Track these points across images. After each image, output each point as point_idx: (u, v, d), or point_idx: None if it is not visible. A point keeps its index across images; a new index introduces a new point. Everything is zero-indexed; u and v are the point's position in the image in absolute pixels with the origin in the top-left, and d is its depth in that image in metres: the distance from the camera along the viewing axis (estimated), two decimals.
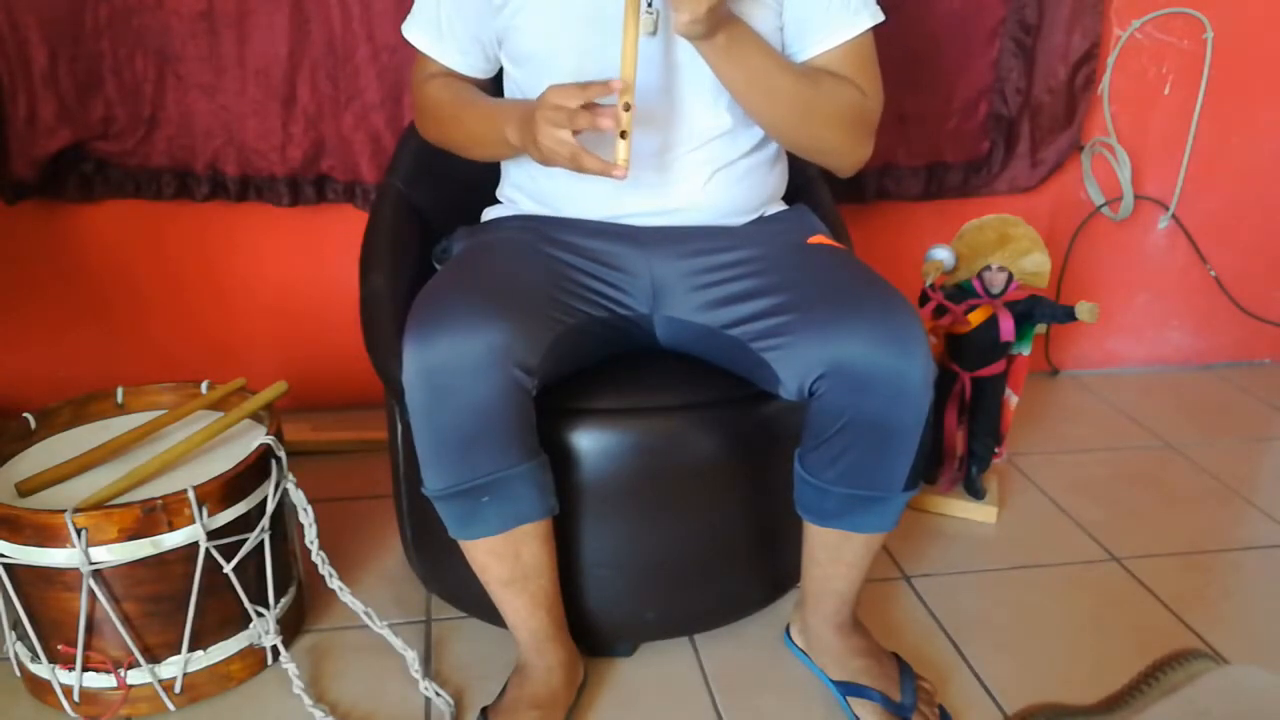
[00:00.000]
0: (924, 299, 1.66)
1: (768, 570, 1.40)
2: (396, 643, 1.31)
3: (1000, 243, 1.67)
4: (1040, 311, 1.63)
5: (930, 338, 1.22)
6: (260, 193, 1.84)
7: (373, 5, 1.73)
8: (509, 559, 1.16)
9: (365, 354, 1.32)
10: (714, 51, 1.14)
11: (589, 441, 1.21)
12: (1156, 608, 1.50)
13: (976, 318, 1.61)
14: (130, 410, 1.44)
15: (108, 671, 1.22)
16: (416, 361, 1.06)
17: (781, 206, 1.38)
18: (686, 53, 1.18)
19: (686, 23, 1.07)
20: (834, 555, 1.22)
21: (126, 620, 1.19)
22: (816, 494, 1.17)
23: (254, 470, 1.25)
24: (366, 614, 1.33)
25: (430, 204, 1.51)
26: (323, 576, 1.33)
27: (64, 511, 1.13)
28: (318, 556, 1.32)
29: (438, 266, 1.35)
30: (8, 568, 1.18)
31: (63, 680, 1.23)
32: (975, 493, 1.72)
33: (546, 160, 1.12)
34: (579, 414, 1.22)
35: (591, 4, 1.16)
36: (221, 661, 1.27)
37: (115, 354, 1.94)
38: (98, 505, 1.17)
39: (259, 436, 1.33)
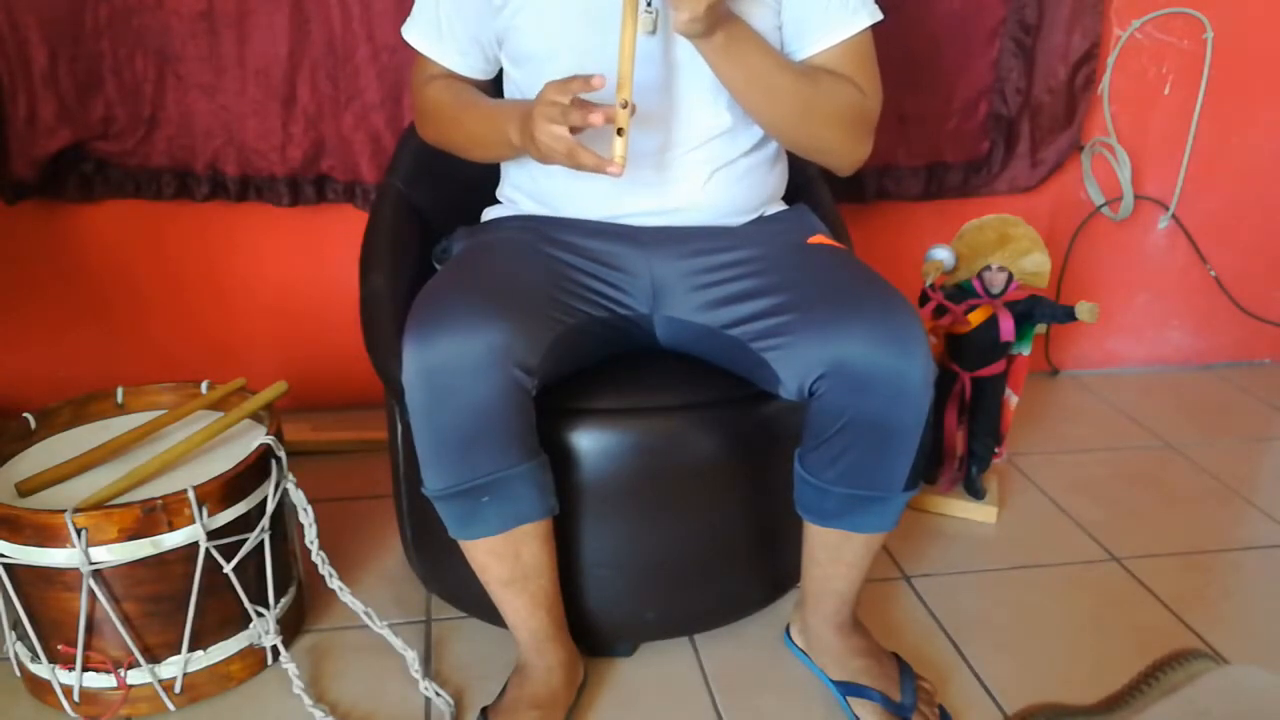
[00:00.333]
0: (924, 299, 1.66)
1: (768, 570, 1.40)
2: (396, 643, 1.31)
3: (1000, 243, 1.67)
4: (1040, 311, 1.63)
5: (930, 338, 1.22)
6: (260, 193, 1.84)
7: (373, 5, 1.73)
8: (509, 559, 1.16)
9: (365, 354, 1.32)
10: (713, 50, 1.14)
11: (589, 441, 1.21)
12: (1156, 608, 1.50)
13: (976, 318, 1.61)
14: (130, 410, 1.44)
15: (108, 671, 1.22)
16: (416, 361, 1.06)
17: (781, 206, 1.38)
18: (686, 51, 1.18)
19: (685, 21, 1.07)
20: (834, 555, 1.22)
21: (126, 620, 1.19)
22: (816, 494, 1.17)
23: (254, 470, 1.25)
24: (366, 614, 1.33)
25: (430, 204, 1.51)
26: (323, 576, 1.33)
27: (64, 511, 1.13)
28: (318, 556, 1.32)
29: (438, 266, 1.35)
30: (8, 568, 1.18)
31: (63, 680, 1.23)
32: (975, 493, 1.72)
33: (544, 157, 1.12)
34: (579, 414, 1.22)
35: (591, 3, 1.16)
36: (221, 661, 1.27)
37: (115, 354, 1.94)
38: (98, 505, 1.17)
39: (259, 436, 1.33)
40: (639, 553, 1.29)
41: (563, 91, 1.06)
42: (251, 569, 1.28)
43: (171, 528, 1.17)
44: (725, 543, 1.33)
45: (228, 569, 1.23)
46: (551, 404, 1.17)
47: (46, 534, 1.13)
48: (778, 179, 1.36)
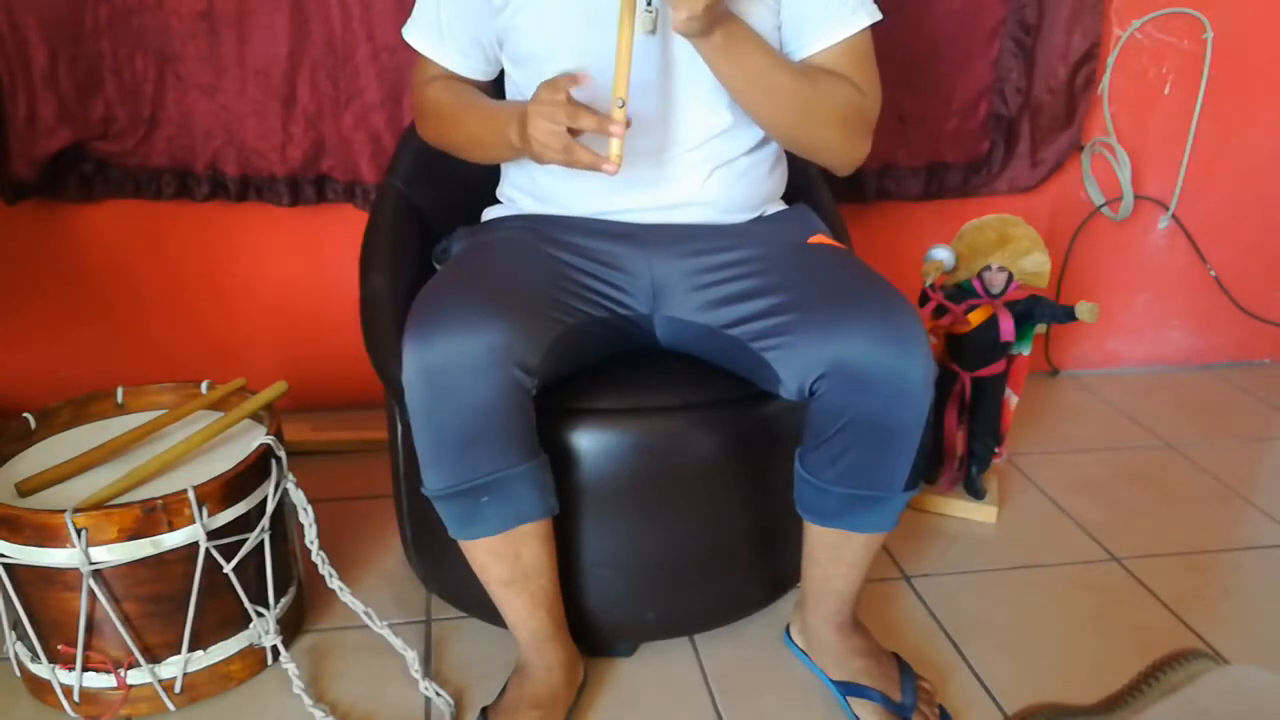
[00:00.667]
0: (924, 299, 1.66)
1: (768, 570, 1.40)
2: (396, 643, 1.31)
3: (1000, 243, 1.67)
4: (1040, 311, 1.63)
5: (930, 338, 1.22)
6: (260, 193, 1.84)
7: (373, 5, 1.73)
8: (509, 559, 1.16)
9: (365, 354, 1.32)
10: (712, 49, 1.14)
11: (589, 441, 1.21)
12: (1156, 608, 1.50)
13: (976, 318, 1.61)
14: (130, 410, 1.44)
15: (108, 671, 1.22)
16: (416, 361, 1.06)
17: (781, 206, 1.38)
18: (685, 51, 1.18)
19: (684, 20, 1.07)
20: (834, 555, 1.22)
21: (126, 620, 1.19)
22: (817, 494, 1.17)
23: (254, 470, 1.25)
24: (366, 614, 1.33)
25: (430, 204, 1.51)
26: (323, 576, 1.33)
27: (64, 511, 1.13)
28: (318, 556, 1.32)
29: (438, 266, 1.35)
30: (8, 568, 1.18)
31: (63, 680, 1.23)
32: (975, 493, 1.72)
33: (539, 155, 1.12)
34: (579, 414, 1.22)
35: (591, 3, 1.16)
36: (221, 661, 1.27)
37: (115, 354, 1.94)
38: (98, 505, 1.17)
39: (259, 436, 1.33)
40: (639, 553, 1.29)
41: (554, 90, 1.07)
42: (251, 569, 1.28)
43: (171, 528, 1.17)
44: (725, 543, 1.33)
45: (228, 569, 1.23)
46: (551, 404, 1.17)
47: (46, 534, 1.13)
48: (778, 179, 1.36)
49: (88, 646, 1.21)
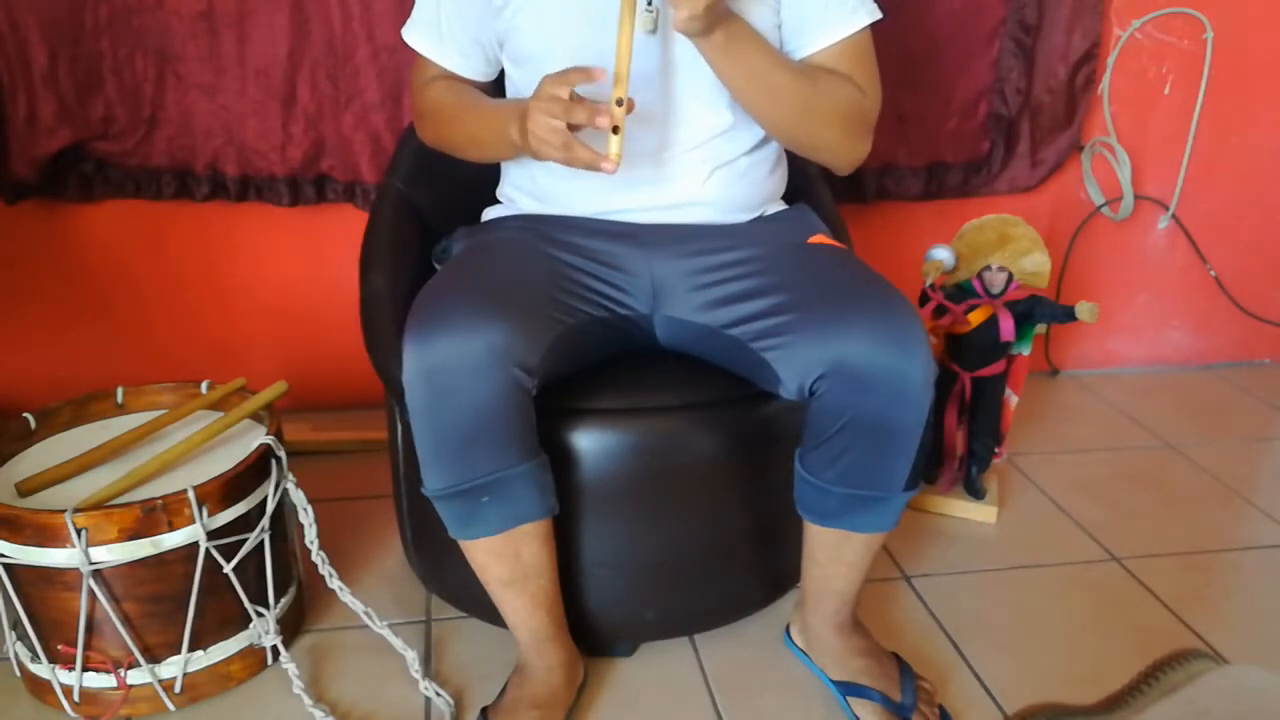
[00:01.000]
0: (924, 299, 1.66)
1: (768, 570, 1.40)
2: (396, 643, 1.31)
3: (1000, 243, 1.67)
4: (1040, 311, 1.63)
5: (930, 338, 1.22)
6: (260, 193, 1.84)
7: (373, 5, 1.73)
8: (509, 559, 1.16)
9: (365, 354, 1.32)
10: (712, 49, 1.14)
11: (589, 441, 1.21)
12: (1156, 608, 1.50)
13: (976, 318, 1.61)
14: (130, 410, 1.44)
15: (108, 671, 1.22)
16: (416, 361, 1.06)
17: (782, 206, 1.38)
18: (686, 50, 1.18)
19: (685, 19, 1.07)
20: (834, 555, 1.22)
21: (126, 620, 1.19)
22: (817, 494, 1.17)
23: (254, 470, 1.25)
24: (366, 614, 1.33)
25: (430, 204, 1.51)
26: (323, 576, 1.33)
27: (64, 511, 1.13)
28: (318, 556, 1.32)
29: (438, 266, 1.35)
30: (8, 568, 1.18)
31: (63, 680, 1.23)
32: (975, 493, 1.72)
33: (538, 152, 1.11)
34: (579, 414, 1.22)
35: (591, 3, 1.16)
36: (221, 661, 1.27)
37: (115, 354, 1.94)
38: (98, 505, 1.17)
39: (259, 436, 1.33)
40: (639, 553, 1.29)
41: (561, 83, 1.06)
42: (251, 569, 1.28)
43: (171, 528, 1.17)
44: (725, 543, 1.33)
45: (228, 569, 1.23)
46: (551, 404, 1.17)
47: (46, 534, 1.13)
48: (778, 179, 1.36)
49: (88, 646, 1.21)
